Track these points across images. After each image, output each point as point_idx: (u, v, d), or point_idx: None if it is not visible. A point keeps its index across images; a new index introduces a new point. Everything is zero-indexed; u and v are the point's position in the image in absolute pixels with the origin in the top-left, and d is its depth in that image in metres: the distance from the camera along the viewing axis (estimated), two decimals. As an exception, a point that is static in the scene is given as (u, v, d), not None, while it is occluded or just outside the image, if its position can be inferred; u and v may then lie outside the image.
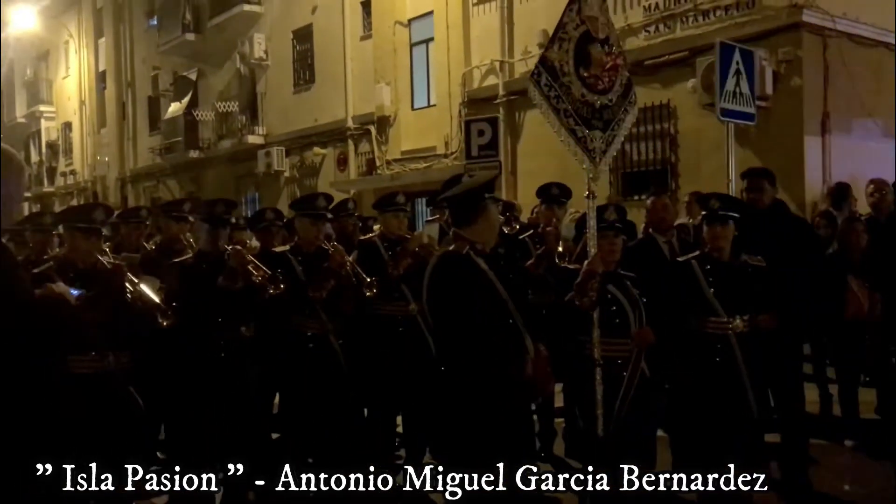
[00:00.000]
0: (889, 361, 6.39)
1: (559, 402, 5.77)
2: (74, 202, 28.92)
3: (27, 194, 29.89)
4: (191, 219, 6.03)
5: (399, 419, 5.89)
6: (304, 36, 18.77)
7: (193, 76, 22.36)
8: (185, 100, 22.29)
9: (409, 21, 16.20)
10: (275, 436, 5.63)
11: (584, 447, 4.43)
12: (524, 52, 13.60)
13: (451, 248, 3.94)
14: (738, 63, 8.05)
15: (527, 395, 3.90)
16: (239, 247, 5.16)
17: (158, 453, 6.09)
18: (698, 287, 4.68)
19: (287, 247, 5.56)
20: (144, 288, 4.45)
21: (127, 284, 4.44)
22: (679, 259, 5.03)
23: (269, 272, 5.00)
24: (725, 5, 11.27)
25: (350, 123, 17.42)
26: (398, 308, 5.57)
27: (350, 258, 5.35)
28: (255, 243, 6.41)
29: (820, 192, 10.56)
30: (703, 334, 4.66)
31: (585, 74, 4.07)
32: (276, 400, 5.79)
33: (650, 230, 5.76)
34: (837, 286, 6.16)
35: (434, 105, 15.81)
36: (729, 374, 4.62)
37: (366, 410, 5.80)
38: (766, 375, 4.93)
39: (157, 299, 4.46)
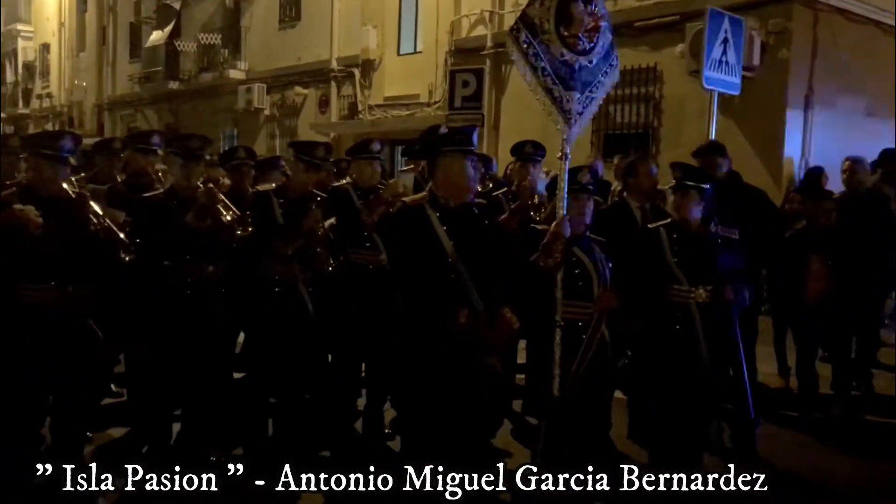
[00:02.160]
0: (847, 337, 6.49)
1: (522, 359, 5.83)
2: (50, 126, 28.40)
3: (0, 115, 29.36)
4: (159, 152, 5.92)
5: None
6: (292, -29, 18.39)
7: (177, 5, 21.85)
8: (168, 29, 21.84)
9: (401, -36, 15.93)
10: (237, 375, 5.63)
11: (540, 405, 4.47)
12: (515, 5, 13.39)
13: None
14: (726, 31, 8.02)
15: (471, 351, 3.86)
16: (211, 184, 5.08)
17: (113, 386, 6.09)
18: (662, 254, 4.71)
19: (272, 186, 5.49)
20: (108, 221, 4.38)
21: (90, 216, 4.37)
22: (649, 226, 5.04)
23: (239, 213, 4.95)
24: (720, -29, 11.17)
25: (334, 65, 17.18)
26: (369, 256, 5.54)
27: (326, 225, 5.25)
28: (226, 181, 6.33)
29: (797, 167, 10.62)
30: (665, 302, 4.70)
31: (566, 34, 4.01)
32: (240, 339, 5.78)
33: (624, 195, 5.75)
34: (797, 259, 6.22)
35: (420, 52, 15.61)
36: (688, 342, 4.66)
37: (329, 356, 5.80)
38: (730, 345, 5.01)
39: (120, 234, 4.40)
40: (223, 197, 5.02)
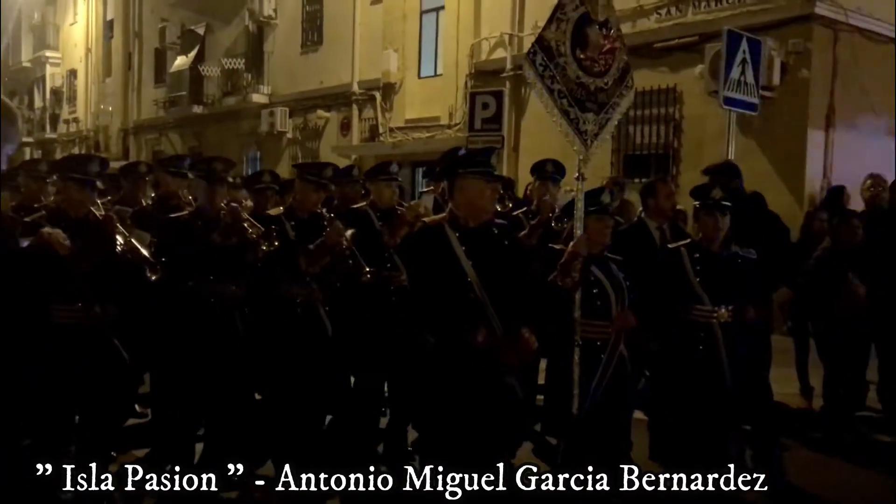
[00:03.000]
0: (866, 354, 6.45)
1: (542, 379, 5.83)
2: (76, 150, 28.82)
3: (29, 139, 29.86)
4: (189, 175, 6.02)
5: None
6: (314, -4, 18.65)
7: (201, 31, 22.19)
8: (192, 54, 22.15)
9: (421, -12, 16.11)
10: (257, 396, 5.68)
11: (559, 425, 4.48)
12: (534, 27, 13.47)
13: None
14: (744, 52, 8.02)
15: (489, 369, 3.87)
16: (235, 204, 5.17)
17: (137, 406, 6.16)
18: (684, 274, 4.71)
19: (281, 209, 5.55)
20: (134, 241, 4.47)
21: (117, 237, 4.46)
22: (669, 245, 5.06)
23: (264, 229, 5.02)
24: (738, -8, 11.22)
25: (355, 88, 17.34)
26: (389, 277, 5.58)
27: (349, 236, 5.30)
28: (249, 203, 6.41)
29: (819, 187, 10.57)
30: (687, 321, 4.70)
31: (582, 56, 4.07)
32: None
33: (642, 215, 5.77)
34: (827, 278, 6.18)
35: (440, 75, 15.74)
36: (710, 362, 4.66)
37: (352, 377, 5.83)
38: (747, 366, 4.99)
39: (146, 253, 4.48)
40: (247, 215, 5.10)
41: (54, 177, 5.60)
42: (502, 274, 3.93)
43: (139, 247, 4.47)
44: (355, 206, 5.84)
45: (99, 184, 4.91)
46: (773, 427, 5.55)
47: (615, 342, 4.43)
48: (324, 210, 5.46)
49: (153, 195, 6.73)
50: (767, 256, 5.39)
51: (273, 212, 5.58)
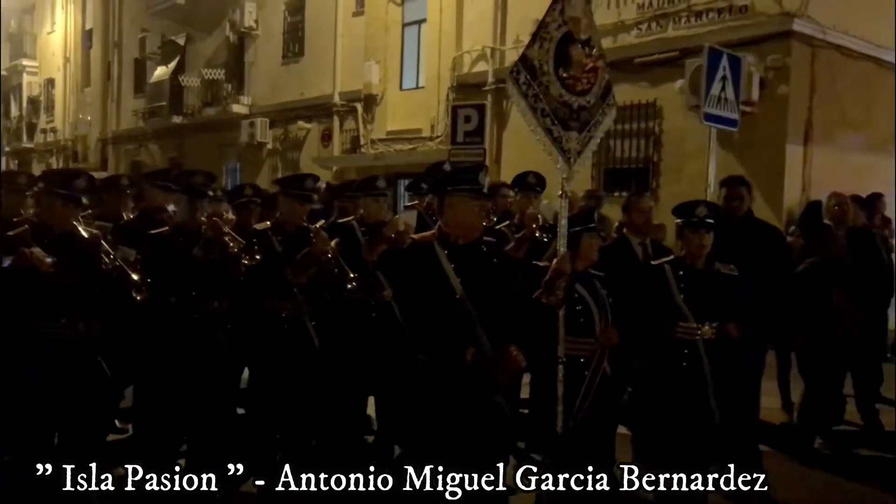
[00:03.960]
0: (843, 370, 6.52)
1: (525, 393, 5.83)
2: (54, 160, 28.62)
3: (6, 149, 29.54)
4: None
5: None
6: (295, 8, 18.62)
7: (182, 41, 22.11)
8: (172, 64, 22.06)
9: (403, 0, 16.12)
10: (240, 411, 5.65)
11: (544, 441, 4.49)
12: (516, 41, 13.57)
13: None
14: (724, 69, 8.11)
15: (478, 388, 3.87)
16: (216, 218, 5.14)
17: (117, 422, 6.10)
18: (669, 292, 4.73)
19: (268, 224, 5.54)
20: (119, 261, 4.44)
21: (102, 255, 4.42)
22: (652, 262, 5.08)
23: (245, 242, 5.00)
24: (718, 8, 11.34)
25: (337, 99, 17.34)
26: (371, 293, 5.57)
27: (333, 245, 5.29)
28: (231, 216, 6.38)
29: (798, 202, 10.68)
30: (671, 339, 4.72)
31: (565, 75, 4.09)
32: (245, 375, 5.80)
33: (624, 231, 5.81)
34: (811, 293, 6.24)
35: (422, 87, 15.77)
36: (694, 379, 4.68)
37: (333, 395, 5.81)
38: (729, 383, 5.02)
39: (132, 274, 4.44)
40: (227, 229, 5.08)
41: (34, 189, 5.57)
42: (491, 292, 3.94)
43: (125, 267, 4.43)
44: (341, 220, 5.84)
45: (85, 200, 4.86)
46: (756, 440, 5.58)
47: (599, 359, 4.45)
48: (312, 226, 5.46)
49: (133, 207, 6.69)
50: (766, 272, 5.41)
51: (259, 226, 5.57)
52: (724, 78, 8.07)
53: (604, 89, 4.35)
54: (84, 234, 4.44)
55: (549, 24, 4.11)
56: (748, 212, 5.83)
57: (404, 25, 16.26)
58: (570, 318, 4.33)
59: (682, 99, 10.93)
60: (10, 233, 4.29)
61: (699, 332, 4.66)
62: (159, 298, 4.76)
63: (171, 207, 5.80)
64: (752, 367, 5.52)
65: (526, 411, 5.99)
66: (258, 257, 4.98)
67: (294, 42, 18.78)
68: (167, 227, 5.24)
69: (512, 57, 13.41)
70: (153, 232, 5.20)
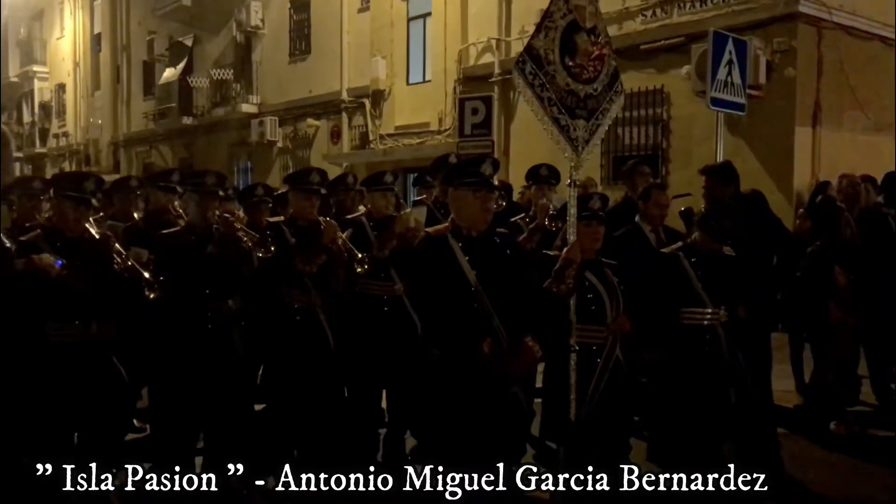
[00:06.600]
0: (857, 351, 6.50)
1: (540, 382, 5.85)
2: (66, 164, 28.82)
3: (19, 154, 29.75)
4: (179, 189, 6.03)
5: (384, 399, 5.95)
6: (301, 6, 18.66)
7: (189, 42, 22.21)
8: (181, 66, 22.17)
9: (407, -5, 16.17)
10: (258, 407, 5.69)
11: (557, 429, 4.51)
12: (521, 32, 13.57)
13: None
14: (730, 52, 8.07)
15: (495, 380, 3.89)
16: (227, 215, 5.18)
17: (136, 421, 6.16)
18: (687, 279, 4.76)
19: (281, 217, 5.58)
20: (132, 260, 4.48)
21: (114, 256, 4.47)
22: (665, 251, 5.08)
23: (258, 236, 5.04)
24: (723, -8, 11.30)
25: (345, 96, 17.38)
26: (384, 288, 5.60)
27: (343, 234, 5.34)
28: (242, 215, 6.42)
29: (808, 184, 10.64)
30: (689, 326, 4.75)
31: (571, 63, 4.09)
32: (261, 371, 5.84)
33: (636, 218, 5.81)
34: (820, 274, 6.23)
35: (429, 81, 15.78)
36: (714, 363, 4.72)
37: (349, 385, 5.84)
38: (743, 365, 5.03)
39: (144, 272, 4.48)
40: (241, 225, 5.12)
41: (48, 194, 5.62)
42: (506, 283, 3.96)
43: (137, 266, 4.48)
44: (350, 215, 5.87)
45: (95, 202, 4.91)
46: (773, 425, 5.58)
47: (611, 347, 4.46)
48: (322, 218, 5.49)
49: (144, 209, 6.74)
50: (768, 257, 5.41)
51: (274, 220, 5.60)
52: (730, 62, 8.04)
53: (610, 77, 4.34)
54: (96, 235, 4.48)
55: (554, 14, 4.10)
56: (753, 193, 5.82)
57: (409, 20, 16.27)
58: (582, 307, 4.34)
59: (689, 84, 10.92)
60: (23, 238, 4.34)
61: (717, 316, 4.69)
62: (173, 298, 4.80)
63: (176, 206, 5.84)
64: (759, 348, 5.50)
65: (539, 401, 6.05)
66: (273, 248, 5.02)
67: (300, 40, 18.83)
68: (178, 228, 5.28)
69: (518, 48, 13.39)
70: (165, 232, 5.23)
